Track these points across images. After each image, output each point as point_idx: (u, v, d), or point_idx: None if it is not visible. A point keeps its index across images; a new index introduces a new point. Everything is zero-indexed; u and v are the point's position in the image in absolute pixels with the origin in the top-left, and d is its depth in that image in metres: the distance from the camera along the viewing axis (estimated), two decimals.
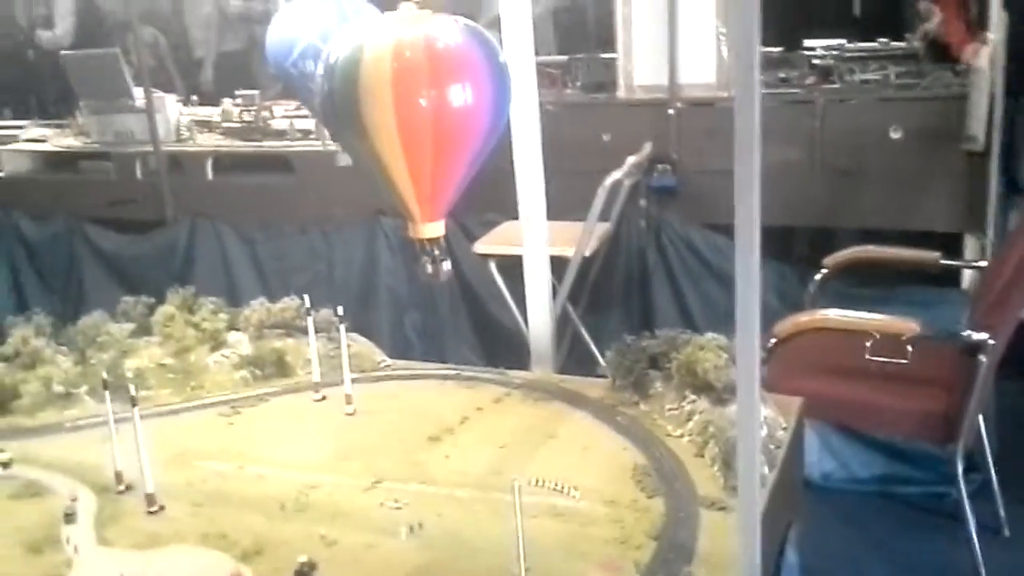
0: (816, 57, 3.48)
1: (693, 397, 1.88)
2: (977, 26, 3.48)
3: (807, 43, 3.54)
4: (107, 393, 1.78)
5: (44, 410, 2.17)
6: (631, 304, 3.78)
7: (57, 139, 4.55)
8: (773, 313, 3.51)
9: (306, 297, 2.18)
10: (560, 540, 1.52)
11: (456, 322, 4.02)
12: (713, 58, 3.47)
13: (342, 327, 2.06)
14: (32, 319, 2.33)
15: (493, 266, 3.51)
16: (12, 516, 1.74)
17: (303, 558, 1.48)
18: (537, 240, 2.21)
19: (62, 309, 4.47)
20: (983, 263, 3.05)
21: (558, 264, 3.54)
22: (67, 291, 4.47)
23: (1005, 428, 3.16)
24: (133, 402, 1.69)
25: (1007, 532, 2.98)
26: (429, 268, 1.61)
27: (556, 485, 1.64)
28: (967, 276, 3.33)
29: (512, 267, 3.64)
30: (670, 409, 1.91)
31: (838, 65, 3.41)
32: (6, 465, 1.91)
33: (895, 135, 3.25)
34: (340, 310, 2.06)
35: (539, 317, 2.27)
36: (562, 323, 3.56)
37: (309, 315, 2.13)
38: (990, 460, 2.99)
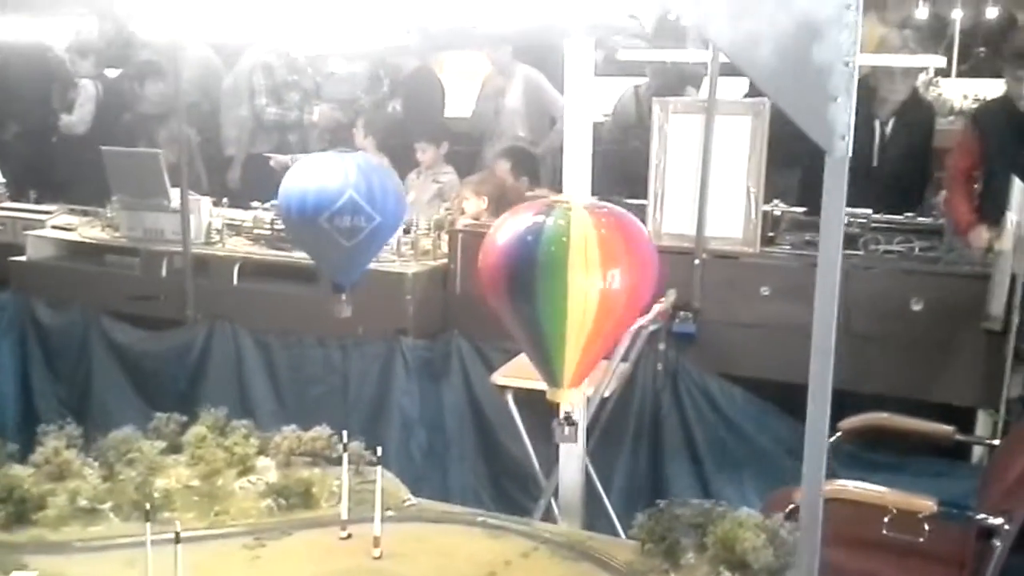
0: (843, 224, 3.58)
1: (727, 574, 1.89)
2: (994, 206, 3.62)
3: None
4: (148, 525, 1.78)
5: (68, 524, 2.16)
6: (640, 446, 3.80)
7: (84, 229, 4.62)
8: (784, 470, 3.54)
9: (344, 434, 2.19)
10: None
11: (462, 446, 4.03)
12: (741, 214, 3.58)
13: (378, 469, 2.07)
14: (64, 428, 2.34)
15: (510, 398, 3.54)
16: None
17: None
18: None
19: (67, 397, 4.48)
20: (996, 441, 3.10)
21: None
22: (74, 380, 4.47)
23: None
24: (177, 538, 1.69)
25: None
26: (566, 430, 1.67)
27: None
28: (976, 451, 3.37)
29: (527, 398, 3.68)
30: None
31: (864, 233, 3.52)
32: None
33: (916, 307, 3.34)
34: (379, 451, 2.08)
35: (571, 470, 2.29)
36: None
37: (345, 450, 2.15)
38: None
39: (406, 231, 4.11)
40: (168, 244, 4.30)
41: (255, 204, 4.72)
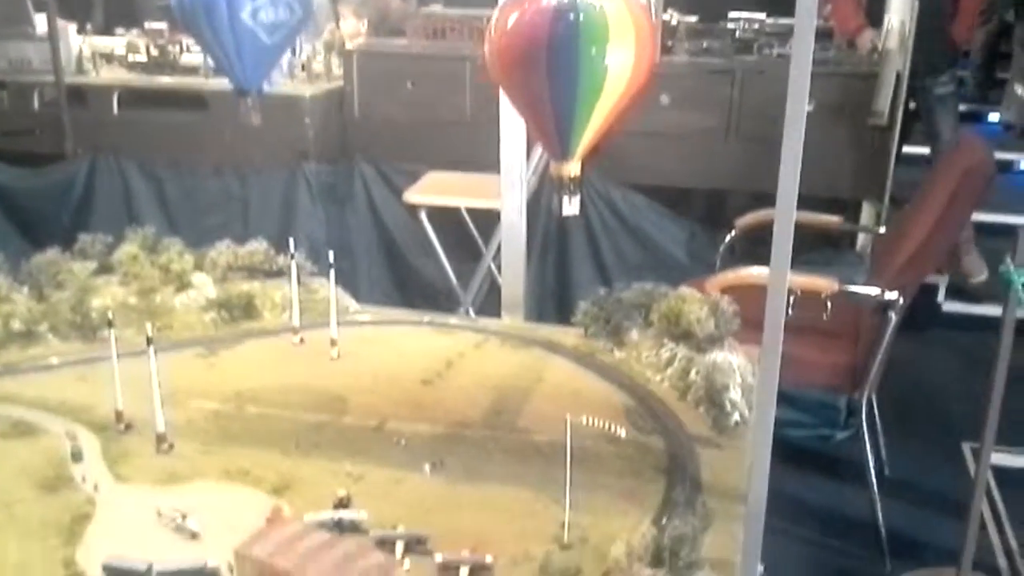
0: (738, 30, 3.68)
1: (671, 345, 2.02)
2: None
3: (731, 15, 3.73)
4: (112, 332, 1.77)
5: (6, 348, 2.11)
6: (548, 255, 3.92)
7: None
8: (683, 269, 3.74)
9: (291, 241, 2.18)
10: (579, 476, 1.62)
11: (371, 268, 4.06)
12: None
13: (331, 272, 2.09)
14: None
15: (424, 216, 3.56)
16: (10, 455, 1.70)
17: (342, 492, 1.54)
18: (515, 194, 2.29)
19: None
20: (882, 229, 3.35)
21: (478, 216, 3.64)
22: None
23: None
24: (148, 341, 1.68)
25: (887, 471, 3.32)
26: (572, 200, 1.70)
27: (603, 424, 1.73)
28: (860, 239, 3.64)
29: (437, 216, 3.72)
30: (647, 356, 2.05)
31: (758, 39, 3.62)
32: None
33: (807, 107, 3.48)
34: (331, 256, 2.09)
35: (512, 267, 2.36)
36: (486, 273, 3.67)
37: (293, 259, 2.15)
38: (875, 405, 3.31)
39: (292, 51, 3.97)
40: (37, 75, 4.03)
41: (120, 31, 4.46)
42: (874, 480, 2.95)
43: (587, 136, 1.64)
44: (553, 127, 1.64)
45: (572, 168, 1.69)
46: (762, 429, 1.54)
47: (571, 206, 1.71)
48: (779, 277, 1.48)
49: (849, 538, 3.07)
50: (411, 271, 3.96)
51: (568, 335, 2.20)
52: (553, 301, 3.85)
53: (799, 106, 1.47)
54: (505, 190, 2.29)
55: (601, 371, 2.03)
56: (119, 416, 1.78)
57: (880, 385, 3.33)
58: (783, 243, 1.48)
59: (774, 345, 1.50)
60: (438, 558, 1.38)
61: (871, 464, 2.95)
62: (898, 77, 3.35)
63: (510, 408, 1.89)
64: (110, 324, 1.77)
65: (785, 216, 1.52)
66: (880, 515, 2.97)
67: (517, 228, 2.31)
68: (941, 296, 4.50)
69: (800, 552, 3.01)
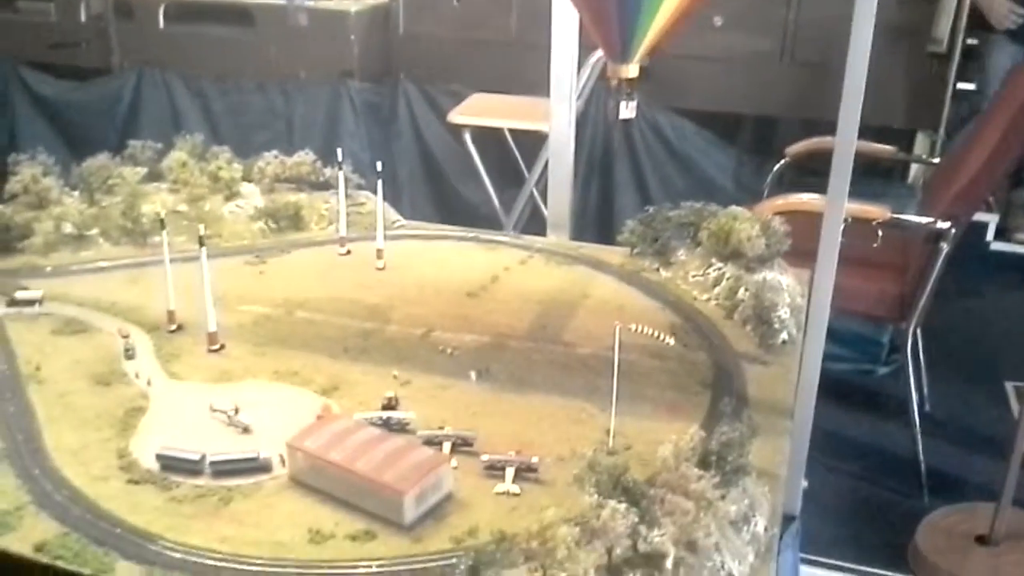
0: None
1: (719, 264, 2.00)
2: None
3: None
4: (164, 232, 1.78)
5: (57, 250, 2.13)
6: (591, 181, 3.89)
7: None
8: (729, 197, 3.68)
9: (339, 151, 2.18)
10: (624, 388, 1.63)
11: (413, 190, 4.05)
12: None
13: (379, 182, 2.09)
14: (37, 158, 2.26)
15: (468, 137, 3.54)
16: (64, 351, 1.73)
17: (390, 393, 1.55)
18: (564, 107, 2.26)
19: None
20: (936, 160, 3.27)
21: (522, 142, 3.61)
22: None
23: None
24: (201, 241, 1.70)
25: (928, 408, 3.30)
26: (624, 106, 1.69)
27: (652, 332, 1.73)
28: (912, 171, 3.56)
29: (481, 137, 3.69)
30: (694, 276, 2.03)
31: None
32: (40, 302, 1.89)
33: None
34: (379, 166, 2.08)
35: (559, 184, 2.34)
36: (529, 199, 3.65)
37: (341, 170, 2.14)
38: (919, 340, 3.27)
39: None
40: None
41: None
42: (917, 417, 2.93)
43: (650, 35, 1.61)
44: (616, 24, 1.60)
45: (631, 70, 1.66)
46: (813, 340, 1.53)
47: (628, 110, 1.69)
48: (837, 196, 1.45)
49: (888, 472, 3.07)
50: (453, 193, 3.95)
51: (614, 254, 2.18)
52: (596, 227, 3.83)
53: (864, 33, 1.42)
54: (555, 103, 2.26)
55: (647, 289, 2.02)
56: (171, 316, 1.81)
57: (924, 321, 3.30)
58: (843, 167, 1.46)
59: (829, 259, 1.48)
60: (484, 458, 1.39)
61: (914, 399, 2.92)
62: (959, 2, 3.24)
63: (555, 322, 1.88)
64: (162, 224, 1.78)
65: (846, 141, 1.49)
66: (920, 450, 2.96)
67: (566, 144, 2.29)
68: (990, 235, 4.42)
69: (839, 484, 3.01)
